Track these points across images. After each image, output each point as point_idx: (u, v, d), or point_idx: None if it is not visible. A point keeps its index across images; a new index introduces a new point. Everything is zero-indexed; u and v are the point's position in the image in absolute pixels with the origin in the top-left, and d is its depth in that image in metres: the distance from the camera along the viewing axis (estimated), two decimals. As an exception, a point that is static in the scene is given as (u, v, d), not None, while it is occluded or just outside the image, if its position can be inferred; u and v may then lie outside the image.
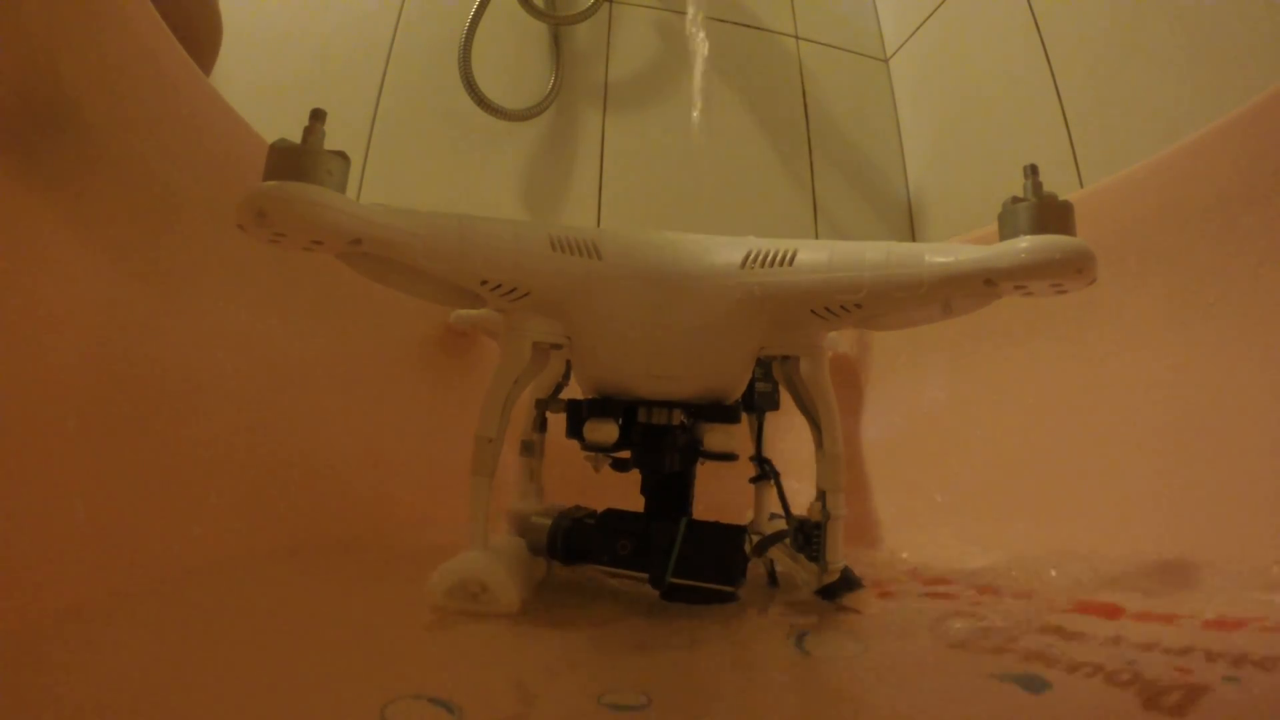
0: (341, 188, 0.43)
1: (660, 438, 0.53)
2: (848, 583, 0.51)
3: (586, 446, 0.54)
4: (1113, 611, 0.41)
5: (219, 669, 0.33)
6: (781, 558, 0.58)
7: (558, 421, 0.58)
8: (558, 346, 0.53)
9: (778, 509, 0.60)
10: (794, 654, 0.41)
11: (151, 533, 0.47)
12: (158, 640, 0.37)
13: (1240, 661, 0.30)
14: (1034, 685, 0.31)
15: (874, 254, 0.49)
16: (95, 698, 0.29)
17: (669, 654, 0.41)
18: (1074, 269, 0.42)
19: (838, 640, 0.43)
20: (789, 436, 0.66)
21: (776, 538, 0.56)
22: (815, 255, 0.50)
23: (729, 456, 0.54)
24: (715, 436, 0.53)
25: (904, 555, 0.65)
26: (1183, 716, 0.26)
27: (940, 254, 0.47)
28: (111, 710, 0.28)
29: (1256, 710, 0.28)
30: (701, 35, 1.18)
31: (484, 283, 0.49)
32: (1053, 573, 0.53)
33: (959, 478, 0.74)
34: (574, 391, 0.60)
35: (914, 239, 1.42)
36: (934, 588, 0.53)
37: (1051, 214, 0.43)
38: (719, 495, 0.62)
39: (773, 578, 0.55)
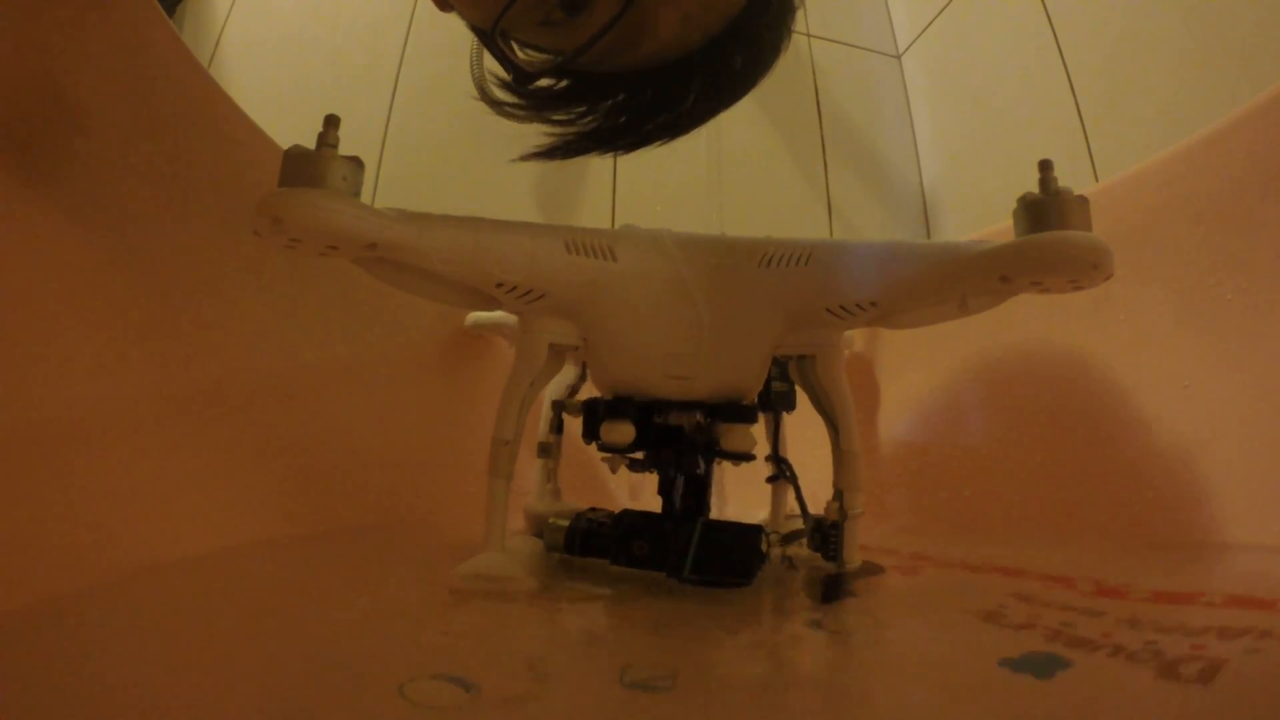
0: (356, 193, 0.43)
1: (677, 438, 0.54)
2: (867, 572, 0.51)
3: (603, 447, 0.54)
4: (1131, 594, 0.41)
5: (241, 647, 0.34)
6: (799, 553, 0.58)
7: (574, 423, 0.58)
8: (574, 348, 0.54)
9: (794, 508, 0.60)
10: (815, 632, 0.41)
11: (169, 524, 0.47)
12: (182, 618, 0.38)
13: (1263, 639, 0.30)
14: (1053, 663, 0.31)
15: (889, 251, 0.48)
16: (119, 671, 0.30)
17: (690, 633, 0.41)
18: (1090, 264, 0.42)
19: (858, 619, 0.43)
20: (805, 435, 0.65)
21: (797, 535, 0.55)
22: (830, 254, 0.50)
23: (746, 457, 0.54)
24: (732, 437, 0.53)
25: (920, 545, 0.65)
26: (1205, 685, 0.26)
27: (955, 251, 0.46)
28: (135, 685, 0.28)
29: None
30: None
31: (499, 285, 0.49)
32: (1071, 558, 0.53)
33: (975, 473, 0.74)
34: (589, 392, 0.60)
35: (929, 236, 1.41)
36: (954, 571, 0.53)
37: (1067, 209, 0.43)
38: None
39: (791, 565, 0.55)
